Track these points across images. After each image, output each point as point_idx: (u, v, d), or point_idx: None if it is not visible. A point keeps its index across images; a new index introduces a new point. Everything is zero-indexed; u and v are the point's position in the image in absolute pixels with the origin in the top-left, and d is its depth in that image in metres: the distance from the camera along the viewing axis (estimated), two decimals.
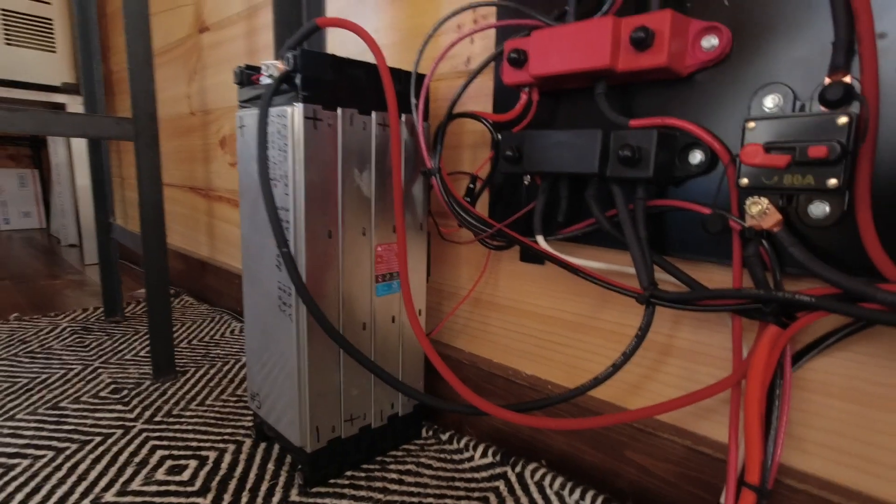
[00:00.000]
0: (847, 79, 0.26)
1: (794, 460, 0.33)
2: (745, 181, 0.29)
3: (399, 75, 0.41)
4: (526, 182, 0.41)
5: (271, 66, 0.39)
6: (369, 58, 0.40)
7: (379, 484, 0.43)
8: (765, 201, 0.29)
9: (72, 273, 1.29)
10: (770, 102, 0.29)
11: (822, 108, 0.27)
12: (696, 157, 0.32)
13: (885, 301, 0.24)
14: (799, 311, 0.28)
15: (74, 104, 1.31)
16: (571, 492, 0.40)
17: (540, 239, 0.39)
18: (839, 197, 0.27)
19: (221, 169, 0.91)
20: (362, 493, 0.42)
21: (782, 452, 0.30)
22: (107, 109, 0.87)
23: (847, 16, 0.26)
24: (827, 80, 0.27)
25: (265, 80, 0.41)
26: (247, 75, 0.43)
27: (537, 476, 0.42)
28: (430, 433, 0.50)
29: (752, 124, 0.28)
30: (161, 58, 1.05)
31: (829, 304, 0.26)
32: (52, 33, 1.28)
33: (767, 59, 0.30)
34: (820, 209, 0.28)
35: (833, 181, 0.26)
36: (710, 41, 0.31)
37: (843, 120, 0.25)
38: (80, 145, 1.32)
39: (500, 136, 0.41)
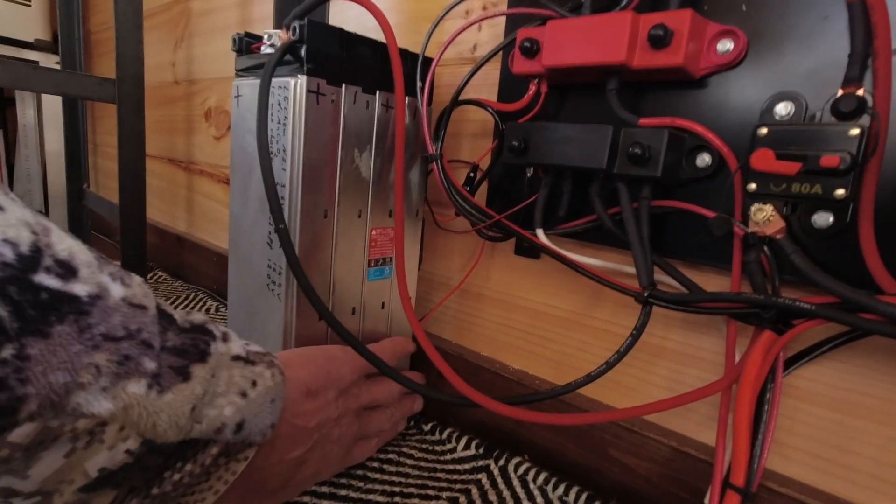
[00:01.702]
0: (860, 91, 0.26)
1: (776, 465, 0.33)
2: (753, 186, 0.29)
3: (406, 57, 0.40)
4: (528, 175, 0.41)
5: (274, 36, 0.38)
6: (372, 35, 0.39)
7: (360, 472, 0.42)
8: (769, 208, 0.29)
9: None
10: (782, 110, 0.29)
11: (833, 119, 0.27)
12: (704, 159, 0.32)
13: (884, 312, 0.24)
14: (798, 318, 0.29)
15: (48, 62, 1.24)
16: (555, 487, 0.40)
17: (539, 232, 0.39)
18: (844, 208, 0.27)
19: (204, 142, 0.88)
20: (343, 479, 0.41)
21: (768, 457, 0.30)
22: (84, 71, 0.82)
23: (865, 31, 0.26)
24: (840, 92, 0.27)
25: (266, 50, 0.39)
26: (246, 43, 0.41)
27: (521, 470, 0.42)
28: (413, 423, 0.50)
29: (764, 130, 0.28)
30: (145, 22, 1.00)
31: (830, 313, 0.26)
32: None
33: (781, 66, 0.30)
34: (823, 219, 0.28)
35: (841, 191, 0.26)
36: (726, 45, 0.31)
37: (854, 131, 0.26)
38: (51, 107, 1.26)
39: (504, 127, 0.40)
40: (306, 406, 0.34)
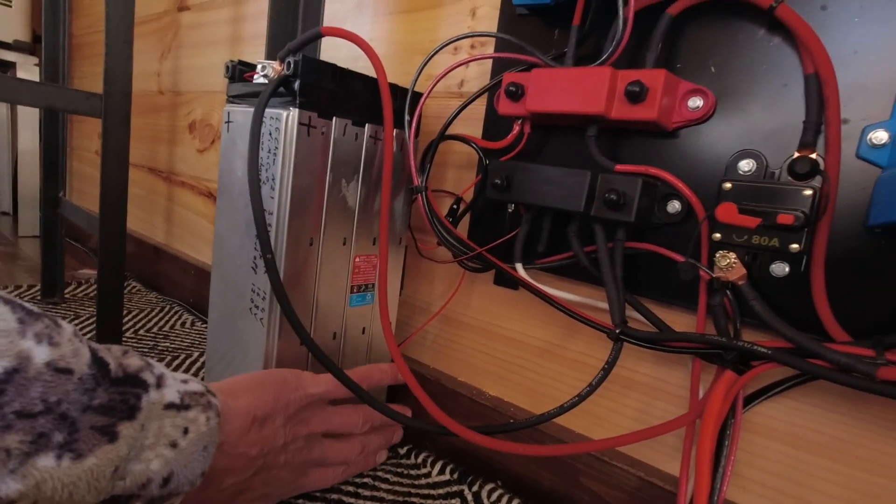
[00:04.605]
0: (814, 155, 0.29)
1: (736, 496, 0.35)
2: (717, 236, 0.31)
3: (396, 92, 0.42)
4: (510, 210, 0.42)
5: (268, 67, 0.39)
6: (359, 66, 0.40)
7: (334, 496, 0.42)
8: (732, 256, 0.31)
9: (3, 244, 1.20)
10: (745, 166, 0.31)
11: (790, 178, 0.30)
12: (675, 206, 0.34)
13: (831, 359, 0.26)
14: (755, 360, 0.31)
15: (26, 64, 1.22)
16: None
17: (519, 266, 0.40)
18: (799, 260, 0.30)
19: (187, 154, 0.87)
20: None
21: (728, 488, 0.32)
22: (65, 74, 0.81)
23: (819, 101, 0.28)
24: (796, 154, 0.29)
25: (259, 80, 0.40)
26: (239, 71, 0.42)
27: (494, 496, 0.43)
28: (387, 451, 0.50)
29: (728, 185, 0.31)
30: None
31: (783, 358, 0.28)
32: None
33: (745, 126, 0.32)
34: (780, 269, 0.30)
35: (795, 246, 0.28)
36: (696, 102, 0.33)
37: (808, 192, 0.28)
38: (27, 108, 1.23)
39: (488, 163, 0.42)
40: (250, 436, 0.33)
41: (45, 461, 0.22)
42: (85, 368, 0.24)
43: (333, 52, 0.59)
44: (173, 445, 0.27)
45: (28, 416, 0.21)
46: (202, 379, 0.48)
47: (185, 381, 0.30)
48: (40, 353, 0.22)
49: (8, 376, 0.21)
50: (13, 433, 0.21)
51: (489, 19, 0.47)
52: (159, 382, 0.28)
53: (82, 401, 0.23)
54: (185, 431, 0.28)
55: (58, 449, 0.22)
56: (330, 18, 0.60)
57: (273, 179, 0.38)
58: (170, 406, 0.28)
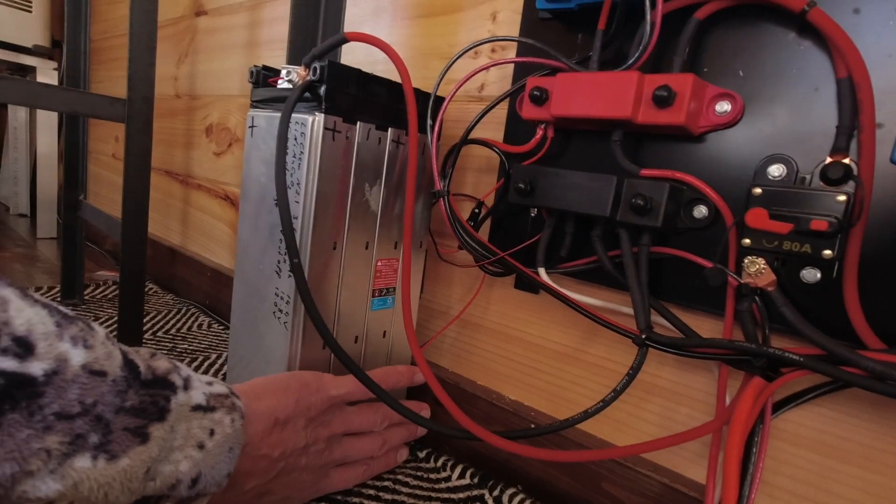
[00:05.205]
0: (847, 160, 0.29)
1: None
2: (747, 241, 0.31)
3: (418, 96, 0.42)
4: (532, 214, 0.42)
5: (292, 72, 0.39)
6: (377, 70, 0.40)
7: (355, 499, 0.43)
8: (761, 261, 0.31)
9: (21, 245, 1.21)
10: (775, 171, 0.31)
11: (822, 184, 0.29)
12: (702, 211, 0.34)
13: (866, 367, 0.26)
14: (786, 367, 0.30)
15: (45, 69, 1.24)
16: None
17: (542, 271, 0.40)
18: (830, 266, 0.29)
19: (203, 157, 0.88)
20: None
21: (756, 497, 0.32)
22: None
23: (852, 105, 0.28)
24: (828, 160, 0.29)
25: (283, 85, 0.40)
26: (263, 76, 0.42)
27: (515, 501, 0.43)
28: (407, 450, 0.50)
29: (758, 190, 0.30)
30: None
31: (816, 365, 0.28)
32: None
33: (775, 130, 0.32)
34: (812, 275, 0.30)
35: (828, 252, 0.28)
36: (724, 106, 0.33)
37: (841, 198, 0.28)
38: (45, 112, 1.25)
39: (511, 167, 0.42)
40: (272, 437, 0.34)
41: (82, 462, 0.22)
42: (118, 371, 0.25)
43: (350, 56, 0.60)
44: (201, 447, 0.27)
45: (67, 418, 0.22)
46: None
47: (210, 383, 0.30)
48: (77, 356, 0.23)
49: (48, 378, 0.21)
50: (53, 434, 0.21)
51: (509, 23, 0.47)
52: (186, 384, 0.28)
53: (115, 402, 0.24)
54: (212, 433, 0.28)
55: (93, 450, 0.23)
56: (348, 23, 0.60)
57: (298, 184, 0.38)
58: (197, 408, 0.28)
